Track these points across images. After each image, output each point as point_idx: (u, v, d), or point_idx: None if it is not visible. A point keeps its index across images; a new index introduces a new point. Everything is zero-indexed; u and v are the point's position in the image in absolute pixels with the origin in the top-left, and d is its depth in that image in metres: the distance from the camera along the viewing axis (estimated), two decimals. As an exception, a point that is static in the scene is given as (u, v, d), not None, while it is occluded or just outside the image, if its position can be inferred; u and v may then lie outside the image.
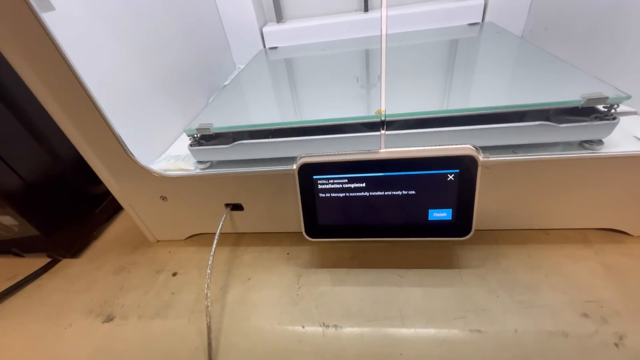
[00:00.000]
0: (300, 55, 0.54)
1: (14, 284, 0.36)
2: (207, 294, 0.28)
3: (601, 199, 0.30)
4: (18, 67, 0.25)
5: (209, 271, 0.28)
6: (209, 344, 0.27)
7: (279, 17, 0.62)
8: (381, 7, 0.23)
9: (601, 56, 0.39)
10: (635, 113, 0.33)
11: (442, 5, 0.56)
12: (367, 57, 0.50)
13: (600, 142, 0.29)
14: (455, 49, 0.46)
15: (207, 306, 0.27)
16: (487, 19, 0.55)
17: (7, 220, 0.33)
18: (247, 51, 0.62)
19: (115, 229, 0.43)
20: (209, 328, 0.27)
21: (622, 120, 0.32)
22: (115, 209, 0.45)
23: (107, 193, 0.42)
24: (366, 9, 0.60)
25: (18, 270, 0.38)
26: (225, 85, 0.57)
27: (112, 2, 0.33)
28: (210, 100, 0.52)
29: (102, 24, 0.32)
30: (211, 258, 0.29)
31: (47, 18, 0.23)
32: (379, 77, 0.42)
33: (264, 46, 0.62)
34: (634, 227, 0.31)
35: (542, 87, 0.31)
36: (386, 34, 0.26)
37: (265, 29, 0.61)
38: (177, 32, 0.46)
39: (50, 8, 0.23)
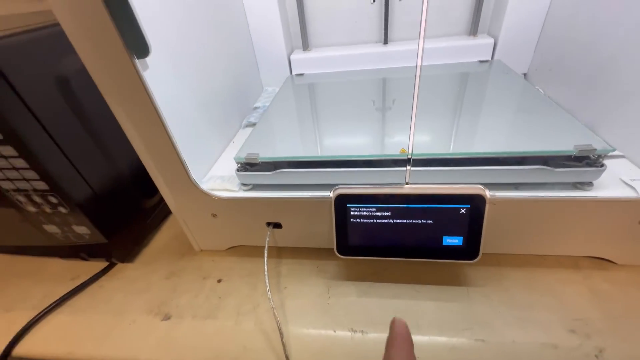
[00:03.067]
0: (325, 83, 0.60)
1: (80, 284, 0.41)
2: (270, 299, 0.33)
3: (591, 231, 0.35)
4: (113, 105, 0.31)
5: (266, 280, 0.34)
6: (282, 342, 0.31)
7: (306, 46, 0.68)
8: (417, 60, 0.29)
9: (597, 101, 0.44)
10: (622, 157, 0.39)
11: (455, 42, 0.61)
12: (384, 86, 0.56)
13: (590, 183, 0.34)
14: (465, 87, 0.51)
15: (273, 307, 0.32)
16: (496, 56, 0.61)
17: (82, 229, 0.39)
18: (275, 74, 0.68)
19: (161, 238, 0.49)
20: (280, 329, 0.32)
21: (611, 162, 0.38)
22: (160, 220, 0.51)
23: (157, 205, 0.49)
24: (385, 42, 0.66)
25: (80, 272, 0.44)
26: (256, 107, 0.63)
27: (178, 49, 0.39)
28: (244, 122, 0.57)
29: (175, 70, 0.38)
30: (266, 270, 0.35)
31: (146, 74, 0.29)
32: (394, 101, 0.48)
33: (290, 72, 0.68)
34: (618, 256, 0.36)
35: (541, 134, 0.36)
36: (419, 82, 0.31)
37: (292, 57, 0.67)
38: (220, 63, 0.51)
39: (147, 68, 0.29)
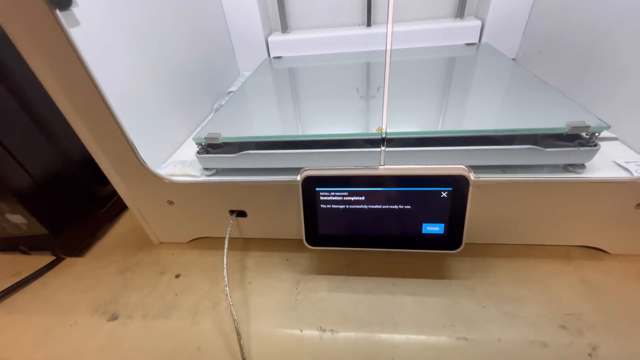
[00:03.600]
0: (304, 66, 0.56)
1: (20, 281, 0.37)
2: (228, 295, 0.29)
3: (582, 219, 0.32)
4: (40, 74, 0.26)
5: (225, 274, 0.30)
6: (240, 344, 0.27)
7: (285, 28, 0.64)
8: (386, 38, 0.25)
9: (589, 83, 0.41)
10: (616, 139, 0.36)
11: (441, 25, 0.58)
12: (368, 70, 0.52)
13: (582, 166, 0.32)
14: (452, 68, 0.48)
15: (231, 305, 0.28)
16: (483, 39, 0.58)
17: (17, 218, 0.34)
18: (252, 58, 0.64)
19: (118, 230, 0.44)
20: (237, 329, 0.28)
21: (604, 145, 0.35)
22: (119, 210, 0.46)
23: (112, 194, 0.44)
24: (369, 24, 0.62)
25: (23, 267, 0.39)
26: (230, 92, 0.59)
27: (126, 13, 0.34)
28: (215, 106, 0.53)
29: (118, 34, 0.33)
30: (225, 263, 0.31)
31: (73, 32, 0.24)
32: (379, 89, 0.44)
33: (269, 55, 0.64)
34: (611, 245, 0.33)
35: (531, 112, 0.33)
36: (389, 60, 0.28)
37: (270, 38, 0.63)
38: (185, 38, 0.47)
39: (76, 24, 0.25)
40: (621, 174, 0.30)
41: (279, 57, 0.62)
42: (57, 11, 0.23)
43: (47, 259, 0.40)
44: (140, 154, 0.32)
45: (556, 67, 0.47)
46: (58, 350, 0.31)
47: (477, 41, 0.58)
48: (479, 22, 0.57)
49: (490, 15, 0.56)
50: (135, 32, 0.36)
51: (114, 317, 0.33)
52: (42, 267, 0.38)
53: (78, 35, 0.25)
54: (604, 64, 0.39)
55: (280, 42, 0.62)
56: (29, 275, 0.37)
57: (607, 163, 0.32)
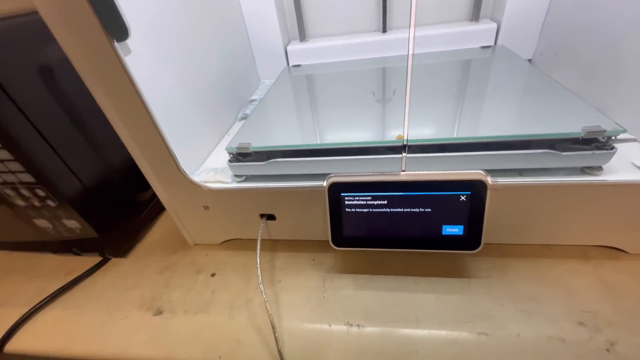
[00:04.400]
0: (322, 74, 0.58)
1: (74, 279, 0.41)
2: (263, 292, 0.32)
3: (600, 219, 0.33)
4: (97, 95, 0.30)
5: (259, 273, 0.32)
6: (275, 337, 0.30)
7: (302, 36, 0.67)
8: (408, 45, 0.27)
9: (605, 84, 0.42)
10: (634, 140, 0.36)
11: (457, 29, 0.59)
12: (384, 75, 0.54)
13: (600, 168, 0.32)
14: (468, 73, 0.49)
15: (265, 301, 0.31)
16: (499, 41, 0.58)
17: (72, 223, 0.38)
18: (272, 67, 0.67)
19: (156, 232, 0.48)
20: (272, 323, 0.30)
21: (622, 147, 0.35)
22: (156, 213, 0.50)
23: (150, 199, 0.48)
24: (384, 30, 0.64)
25: (75, 267, 0.43)
26: (252, 100, 0.62)
27: (166, 38, 0.38)
28: (240, 115, 0.56)
29: (160, 57, 0.36)
30: (258, 263, 0.33)
31: (127, 60, 0.28)
32: (394, 92, 0.46)
33: (288, 63, 0.67)
34: (630, 245, 0.34)
35: (547, 117, 0.34)
36: (411, 67, 0.29)
37: (289, 48, 0.65)
38: (214, 52, 0.50)
39: (129, 52, 0.28)
40: (638, 175, 0.31)
41: (298, 66, 0.64)
42: (115, 42, 0.26)
43: (96, 259, 0.44)
44: (180, 163, 0.35)
45: (573, 68, 0.48)
46: (111, 341, 0.34)
47: (492, 44, 0.58)
48: (494, 25, 0.57)
49: (505, 17, 0.57)
50: (173, 53, 0.39)
51: (158, 312, 0.36)
52: (92, 267, 0.42)
53: (130, 61, 0.28)
54: (622, 65, 0.39)
55: (298, 50, 0.65)
56: (81, 275, 0.42)
57: (624, 164, 0.33)
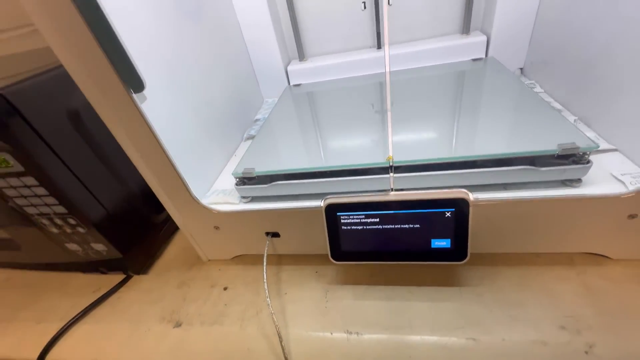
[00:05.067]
0: (322, 92, 0.62)
1: (101, 296, 0.45)
2: (270, 305, 0.35)
3: (583, 228, 0.35)
4: (117, 134, 0.34)
5: (266, 287, 0.36)
6: (282, 345, 0.33)
7: (302, 56, 0.70)
8: (385, 76, 0.30)
9: (590, 94, 0.43)
10: (615, 150, 0.38)
11: (448, 42, 0.61)
12: (381, 90, 0.57)
13: (579, 180, 0.35)
14: (456, 88, 0.52)
15: (272, 313, 0.35)
16: (491, 52, 0.61)
17: (100, 246, 0.42)
18: (274, 86, 0.71)
19: (172, 250, 0.52)
20: (279, 333, 0.34)
21: (604, 157, 0.38)
22: (171, 233, 0.54)
23: (167, 219, 0.52)
24: (379, 47, 0.67)
25: (101, 284, 0.48)
26: (256, 119, 0.65)
27: (180, 80, 0.42)
28: (245, 135, 0.60)
29: (171, 96, 0.40)
30: (265, 278, 0.37)
31: (143, 106, 0.32)
32: (392, 104, 0.49)
33: (289, 82, 0.70)
34: (613, 251, 0.36)
35: (527, 133, 0.37)
36: (390, 103, 0.33)
37: (289, 68, 0.69)
38: (219, 78, 0.54)
39: (144, 99, 0.32)
40: (617, 186, 0.33)
41: (298, 85, 0.68)
42: (133, 94, 0.30)
43: (120, 277, 0.48)
44: (192, 189, 0.39)
45: (560, 77, 0.50)
46: (138, 351, 0.38)
47: (483, 56, 0.61)
48: (484, 38, 0.60)
49: (495, 29, 0.59)
50: (185, 91, 0.43)
51: (178, 324, 0.40)
52: (117, 284, 0.47)
53: (146, 107, 0.32)
54: (605, 75, 0.41)
55: (298, 70, 0.69)
56: (108, 291, 0.46)
57: (604, 175, 0.35)
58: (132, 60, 0.29)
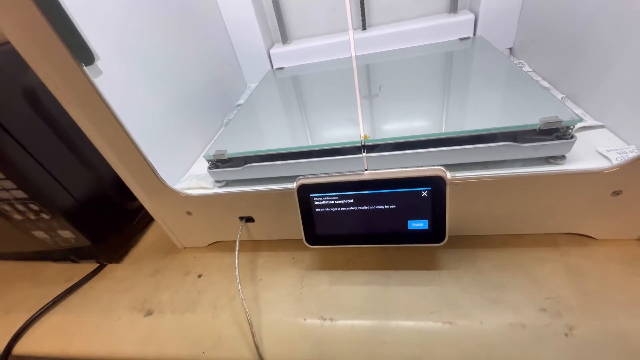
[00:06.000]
0: (305, 75, 0.60)
1: (73, 285, 0.44)
2: (240, 292, 0.34)
3: (565, 207, 0.33)
4: (73, 114, 0.32)
5: (237, 274, 0.34)
6: (252, 332, 0.32)
7: (285, 39, 0.68)
8: (352, 52, 0.28)
9: (578, 71, 0.42)
10: (602, 127, 0.37)
11: (435, 22, 0.59)
12: (368, 72, 0.55)
13: (563, 157, 0.33)
14: (440, 68, 0.50)
15: (243, 300, 0.33)
16: (479, 32, 0.58)
17: (67, 234, 0.41)
18: (257, 70, 0.68)
19: (148, 238, 0.50)
20: (249, 320, 0.33)
21: (590, 134, 0.36)
22: (147, 220, 0.53)
23: (141, 207, 0.50)
24: (364, 28, 0.64)
25: (74, 274, 0.46)
26: (238, 105, 0.63)
27: (138, 51, 0.39)
28: (225, 120, 0.58)
29: (132, 72, 0.38)
30: (237, 264, 0.35)
31: (97, 81, 0.30)
32: (380, 87, 0.47)
33: (272, 66, 0.68)
34: (597, 231, 0.34)
35: (510, 110, 0.35)
36: (356, 70, 0.31)
37: (272, 51, 0.66)
38: (193, 59, 0.52)
39: (99, 73, 0.30)
40: (602, 162, 0.32)
41: (281, 68, 0.66)
42: (84, 67, 0.28)
43: (92, 266, 0.47)
44: (160, 172, 0.37)
45: (548, 55, 0.48)
46: (107, 341, 0.37)
47: (471, 35, 0.58)
48: (472, 16, 0.57)
49: (482, 7, 0.56)
50: (148, 65, 0.41)
51: (149, 313, 0.39)
52: (89, 273, 0.45)
53: (100, 81, 0.30)
54: (590, 51, 0.39)
55: (281, 53, 0.66)
56: (79, 281, 0.44)
57: (589, 151, 0.34)
58: (78, 28, 0.27)
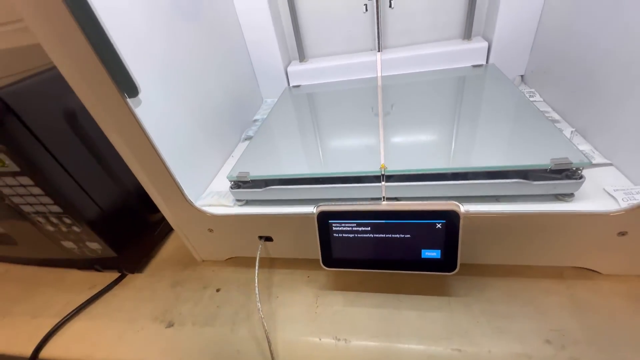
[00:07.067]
0: (321, 94, 0.62)
1: (96, 293, 0.46)
2: (260, 310, 0.36)
3: (573, 242, 0.35)
4: (111, 137, 0.34)
5: (257, 292, 0.36)
6: (270, 350, 0.34)
7: (302, 57, 0.70)
8: (378, 92, 0.30)
9: (588, 106, 0.43)
10: (610, 165, 0.38)
11: (449, 48, 0.61)
12: (382, 93, 0.57)
13: (571, 194, 0.35)
14: (454, 97, 0.51)
15: (262, 318, 0.35)
16: (492, 59, 0.60)
17: (95, 245, 0.43)
18: (274, 86, 0.71)
19: (167, 250, 0.52)
20: (267, 338, 0.34)
21: (597, 172, 0.38)
22: (167, 232, 0.55)
23: (162, 220, 0.52)
24: (379, 50, 0.66)
25: (97, 282, 0.48)
26: (255, 120, 0.66)
27: (176, 83, 0.41)
28: (243, 136, 0.60)
29: (166, 94, 0.40)
30: (256, 282, 0.37)
31: (137, 111, 0.32)
32: (392, 106, 0.49)
33: (288, 83, 0.70)
34: (602, 266, 0.36)
35: (522, 146, 0.37)
36: (381, 107, 0.33)
37: (289, 69, 0.69)
38: (217, 77, 0.53)
39: (139, 104, 0.32)
40: (609, 202, 0.33)
41: (298, 86, 0.68)
42: (127, 98, 0.30)
43: (115, 275, 0.49)
44: (184, 188, 0.39)
45: (560, 87, 0.49)
46: (130, 350, 0.39)
47: (484, 62, 0.60)
48: (485, 44, 0.59)
49: (496, 36, 0.58)
50: (178, 87, 0.43)
51: (170, 324, 0.41)
52: (112, 282, 0.47)
53: (140, 112, 0.32)
54: (603, 88, 0.40)
55: (298, 71, 0.68)
56: (103, 289, 0.47)
57: (597, 189, 0.35)
58: (126, 65, 0.29)
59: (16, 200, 0.39)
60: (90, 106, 0.31)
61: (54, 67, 0.30)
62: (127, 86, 0.30)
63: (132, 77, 0.30)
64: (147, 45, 0.37)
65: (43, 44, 0.28)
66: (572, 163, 0.32)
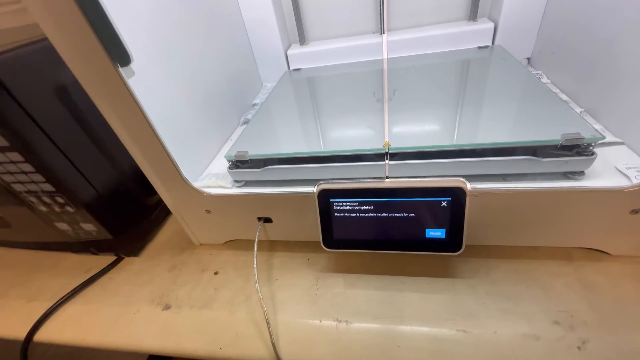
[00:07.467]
0: (321, 78, 0.60)
1: (92, 276, 0.45)
2: (259, 291, 0.35)
3: (583, 222, 0.34)
4: (104, 112, 0.33)
5: (255, 273, 0.35)
6: (269, 331, 0.33)
7: (302, 40, 0.68)
8: (384, 66, 0.28)
9: (599, 85, 0.42)
10: (622, 143, 0.37)
11: (454, 29, 0.59)
12: (381, 77, 0.55)
13: (582, 172, 0.33)
14: (460, 77, 0.50)
15: (261, 299, 0.34)
16: (497, 41, 0.58)
17: (89, 226, 0.42)
18: (274, 70, 0.69)
19: (165, 233, 0.51)
20: (267, 320, 0.33)
21: (609, 150, 0.36)
22: (164, 215, 0.54)
23: (159, 203, 0.51)
24: (382, 32, 0.64)
25: (92, 265, 0.47)
26: (254, 104, 0.64)
27: (166, 53, 0.40)
28: (242, 119, 0.59)
29: (160, 73, 0.39)
30: (255, 264, 0.36)
31: (130, 82, 0.30)
32: (395, 91, 0.48)
33: (288, 67, 0.68)
34: (612, 247, 0.35)
35: (531, 123, 0.35)
36: (387, 83, 0.31)
37: (289, 52, 0.67)
38: (214, 59, 0.52)
39: (132, 74, 0.31)
40: (621, 179, 0.32)
41: (298, 69, 0.66)
42: (119, 67, 0.29)
43: (110, 258, 0.48)
44: (182, 169, 0.38)
45: (569, 68, 0.48)
46: (126, 332, 0.38)
47: (490, 44, 0.58)
48: (491, 25, 0.57)
49: (503, 16, 0.56)
50: (176, 67, 0.42)
51: (167, 307, 0.40)
52: (108, 265, 0.46)
53: (133, 82, 0.31)
54: (614, 66, 0.39)
55: (298, 54, 0.67)
56: (98, 272, 0.46)
57: (608, 168, 0.34)
58: (117, 31, 0.27)
59: (7, 178, 0.37)
60: (80, 76, 0.30)
61: (45, 39, 0.28)
62: (118, 54, 0.28)
63: (124, 44, 0.28)
64: (142, 16, 0.35)
65: (31, 10, 0.26)
66: (584, 138, 0.31)
